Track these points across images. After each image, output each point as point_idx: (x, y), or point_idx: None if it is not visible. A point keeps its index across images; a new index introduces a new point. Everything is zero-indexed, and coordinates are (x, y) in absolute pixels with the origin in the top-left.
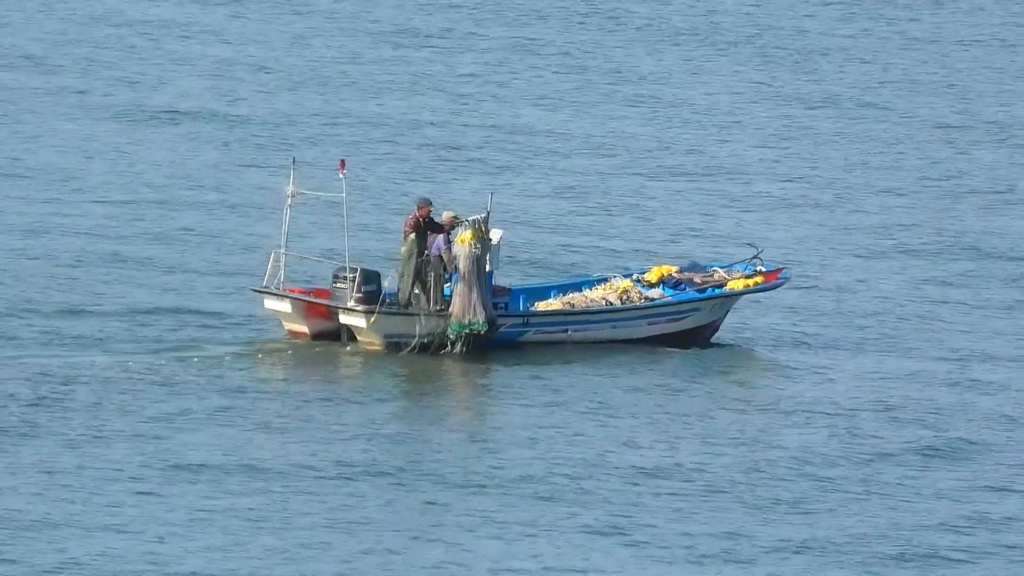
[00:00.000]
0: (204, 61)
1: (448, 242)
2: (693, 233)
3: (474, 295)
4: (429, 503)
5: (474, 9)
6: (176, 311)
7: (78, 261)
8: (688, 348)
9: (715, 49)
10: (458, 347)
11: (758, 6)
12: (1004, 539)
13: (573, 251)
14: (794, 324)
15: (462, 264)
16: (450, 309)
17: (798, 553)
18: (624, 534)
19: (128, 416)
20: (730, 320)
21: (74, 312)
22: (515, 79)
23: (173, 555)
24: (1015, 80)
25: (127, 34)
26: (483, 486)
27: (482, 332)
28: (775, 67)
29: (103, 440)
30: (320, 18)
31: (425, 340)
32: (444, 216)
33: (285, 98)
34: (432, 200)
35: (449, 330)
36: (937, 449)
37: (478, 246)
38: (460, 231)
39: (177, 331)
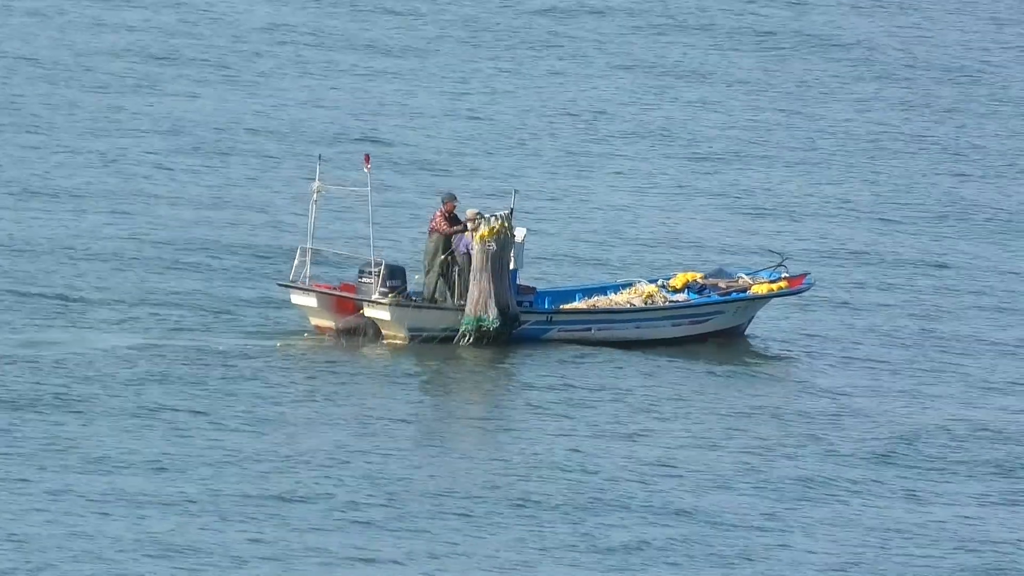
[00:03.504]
0: (230, 57)
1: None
2: (720, 242)
3: (487, 291)
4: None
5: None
6: (202, 306)
7: (110, 256)
8: (710, 351)
9: (751, 52)
10: (467, 340)
11: (796, 13)
12: None
13: (600, 257)
14: (817, 329)
15: (476, 259)
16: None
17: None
18: (634, 539)
19: (153, 407)
20: (755, 325)
21: (102, 302)
22: (547, 82)
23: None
24: None
25: (154, 41)
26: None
27: (491, 328)
28: (809, 72)
29: (120, 430)
30: (345, 7)
31: (449, 334)
32: (468, 213)
33: (311, 93)
34: (456, 196)
35: (461, 324)
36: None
37: (492, 243)
38: (481, 227)
39: (203, 325)
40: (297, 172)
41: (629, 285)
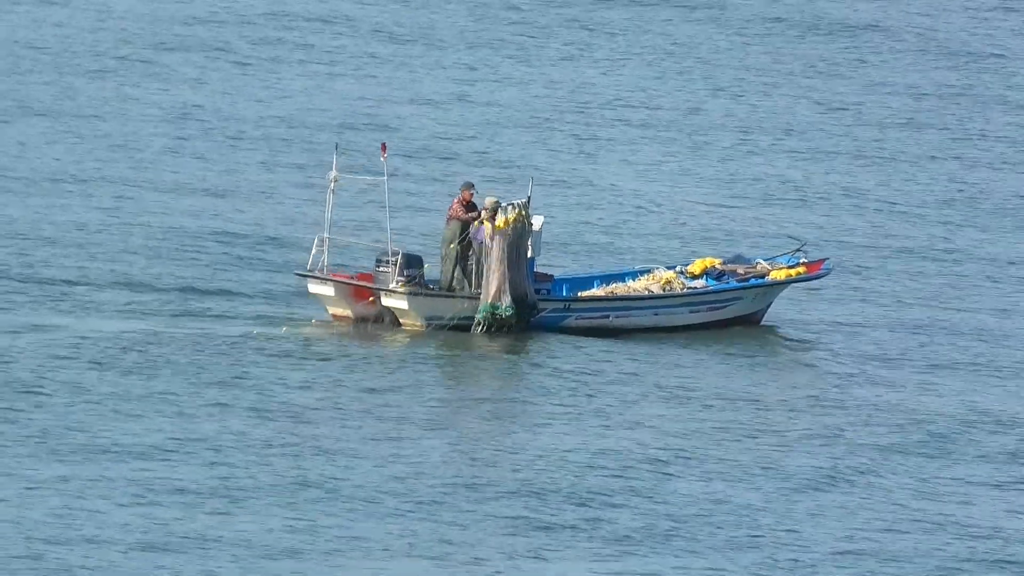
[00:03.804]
0: (245, 48)
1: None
2: (737, 228)
3: (504, 280)
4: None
5: None
6: (220, 293)
7: (128, 241)
8: (727, 338)
9: (763, 38)
10: (481, 328)
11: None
12: None
13: (617, 243)
14: (837, 315)
15: (493, 248)
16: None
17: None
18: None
19: (168, 392)
20: (774, 310)
21: (120, 285)
22: (561, 70)
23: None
24: None
25: (161, 27)
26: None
27: (505, 316)
28: (828, 59)
29: (126, 416)
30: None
31: (465, 322)
32: (486, 201)
33: (328, 84)
34: (474, 184)
35: (477, 312)
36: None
37: (510, 231)
38: (499, 216)
39: (220, 314)
40: (307, 160)
41: (647, 272)
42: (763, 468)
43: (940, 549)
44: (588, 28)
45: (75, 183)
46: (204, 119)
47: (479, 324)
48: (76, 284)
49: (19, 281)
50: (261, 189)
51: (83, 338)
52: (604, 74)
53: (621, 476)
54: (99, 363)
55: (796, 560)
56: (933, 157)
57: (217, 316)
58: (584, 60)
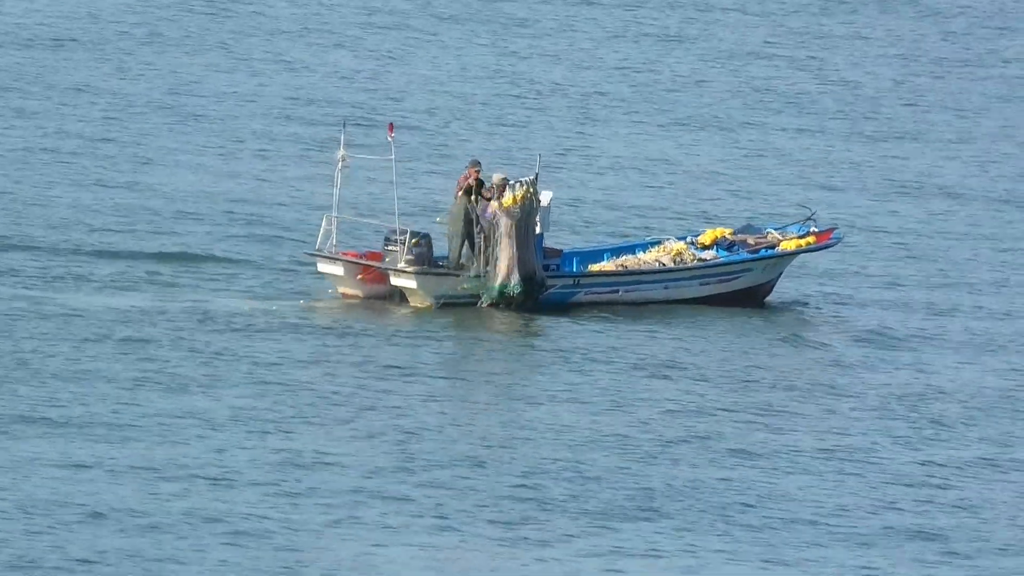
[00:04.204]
0: (258, 32)
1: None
2: (749, 197)
3: (513, 258)
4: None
5: None
6: (230, 272)
7: (135, 216)
8: (734, 312)
9: (757, 16)
10: (491, 305)
11: None
12: None
13: (627, 215)
14: (845, 285)
15: (501, 226)
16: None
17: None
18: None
19: (175, 366)
20: (784, 281)
21: (128, 258)
22: (566, 43)
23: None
24: None
25: (161, 13)
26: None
27: (514, 294)
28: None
29: (142, 387)
30: None
31: (474, 299)
32: (494, 178)
33: (333, 62)
34: (482, 161)
35: (487, 292)
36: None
37: (517, 210)
38: (507, 193)
39: (228, 289)
40: (311, 144)
41: (658, 243)
42: (758, 445)
43: (932, 527)
44: (588, 2)
45: (87, 157)
46: (204, 97)
47: (488, 302)
48: (82, 259)
49: (13, 256)
50: (266, 168)
51: (82, 313)
52: (606, 47)
53: (619, 453)
54: (102, 337)
55: (794, 539)
56: (934, 137)
57: (216, 291)
58: (583, 34)
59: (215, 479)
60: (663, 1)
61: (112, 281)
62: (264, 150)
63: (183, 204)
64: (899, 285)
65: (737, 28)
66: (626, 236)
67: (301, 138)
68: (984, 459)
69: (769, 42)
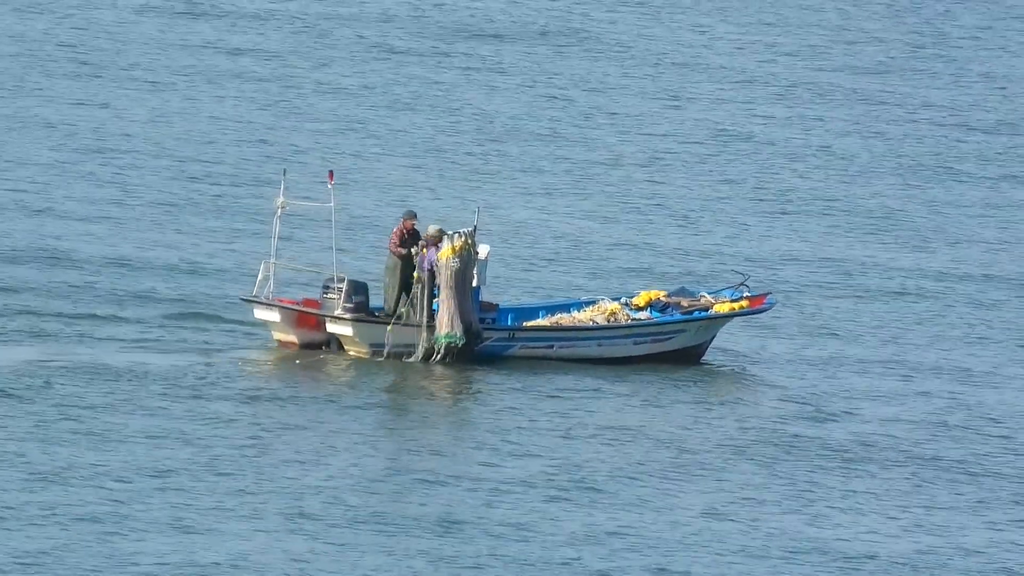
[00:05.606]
0: (195, 75)
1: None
2: (683, 261)
3: (453, 308)
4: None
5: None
6: (167, 316)
7: (72, 262)
8: (669, 371)
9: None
10: (436, 358)
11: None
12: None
13: (562, 275)
14: (779, 348)
15: (441, 277)
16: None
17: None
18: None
19: (109, 418)
20: (717, 343)
21: (63, 311)
22: (505, 96)
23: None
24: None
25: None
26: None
27: (458, 345)
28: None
29: (84, 440)
30: (313, 27)
31: (408, 350)
32: (429, 229)
33: (274, 110)
34: (417, 213)
35: (432, 341)
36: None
37: (456, 260)
38: (444, 244)
39: (165, 337)
40: (262, 188)
41: (592, 303)
42: (703, 499)
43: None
44: (504, 63)
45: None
46: (130, 142)
47: (436, 353)
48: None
49: None
50: (206, 215)
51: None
52: (542, 107)
53: (542, 507)
54: (38, 389)
55: None
56: (873, 176)
57: (156, 343)
58: (519, 92)
59: (163, 526)
60: (585, 65)
61: (30, 332)
62: (205, 198)
63: (112, 257)
64: (832, 346)
65: (674, 81)
66: (558, 296)
67: (244, 184)
68: (916, 523)
69: (708, 100)
